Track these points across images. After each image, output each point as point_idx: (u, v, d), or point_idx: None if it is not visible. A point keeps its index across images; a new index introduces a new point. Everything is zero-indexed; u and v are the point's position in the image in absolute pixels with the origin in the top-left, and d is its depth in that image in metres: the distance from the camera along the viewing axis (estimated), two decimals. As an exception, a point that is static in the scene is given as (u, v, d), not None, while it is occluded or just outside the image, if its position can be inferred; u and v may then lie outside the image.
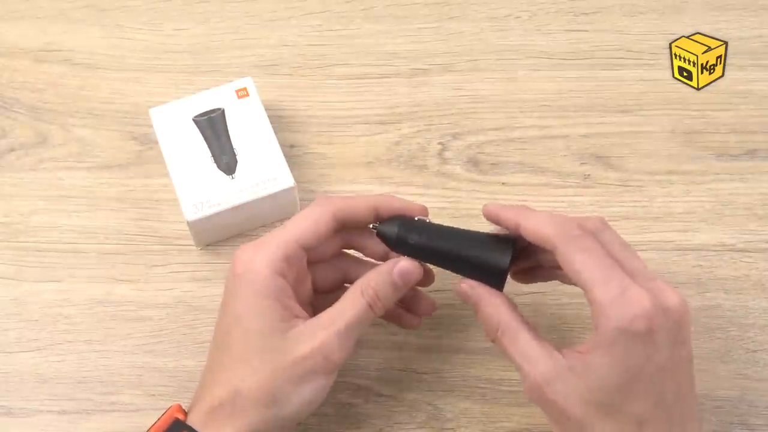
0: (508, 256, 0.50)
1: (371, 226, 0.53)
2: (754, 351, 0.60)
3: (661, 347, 0.45)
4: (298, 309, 0.51)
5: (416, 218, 0.53)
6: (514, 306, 0.50)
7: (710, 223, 0.64)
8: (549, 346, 0.48)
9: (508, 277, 0.51)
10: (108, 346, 0.61)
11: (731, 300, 0.62)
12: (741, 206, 0.65)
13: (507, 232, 0.52)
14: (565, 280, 0.51)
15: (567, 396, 0.46)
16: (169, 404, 0.51)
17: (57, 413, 0.59)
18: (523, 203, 0.59)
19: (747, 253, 0.63)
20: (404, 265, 0.52)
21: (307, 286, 0.54)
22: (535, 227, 0.48)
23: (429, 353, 0.60)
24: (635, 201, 0.66)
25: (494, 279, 0.50)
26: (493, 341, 0.50)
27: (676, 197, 0.66)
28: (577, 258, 0.46)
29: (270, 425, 0.49)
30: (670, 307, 0.45)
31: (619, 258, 0.47)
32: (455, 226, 0.53)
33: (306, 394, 0.49)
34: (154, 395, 0.59)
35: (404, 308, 0.57)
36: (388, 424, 0.58)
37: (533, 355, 0.47)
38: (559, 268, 0.48)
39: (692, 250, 0.63)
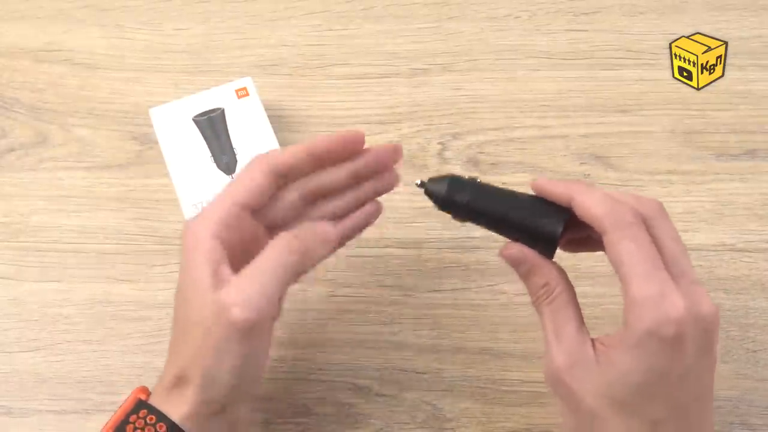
0: (561, 224, 0.48)
1: (417, 182, 0.51)
2: (754, 351, 0.60)
3: (687, 354, 0.44)
4: (227, 274, 0.48)
5: (467, 177, 0.50)
6: (567, 277, 0.49)
7: (710, 223, 0.64)
8: (586, 333, 0.47)
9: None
10: (108, 346, 0.61)
11: (731, 300, 0.62)
12: (741, 206, 0.65)
13: None
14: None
15: (584, 385, 0.45)
16: (168, 404, 0.51)
17: (57, 413, 0.59)
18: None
19: (747, 253, 0.63)
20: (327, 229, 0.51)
21: (261, 246, 0.50)
22: (588, 206, 0.46)
23: (429, 353, 0.60)
24: (635, 201, 0.66)
25: (545, 246, 0.48)
26: (536, 306, 0.49)
27: (676, 197, 0.66)
28: (624, 248, 0.44)
29: (219, 400, 0.48)
30: (704, 315, 0.44)
31: (668, 253, 0.45)
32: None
33: (229, 365, 0.47)
34: (153, 395, 0.59)
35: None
36: (388, 424, 0.58)
37: (566, 335, 0.46)
38: None
39: (692, 250, 0.63)
